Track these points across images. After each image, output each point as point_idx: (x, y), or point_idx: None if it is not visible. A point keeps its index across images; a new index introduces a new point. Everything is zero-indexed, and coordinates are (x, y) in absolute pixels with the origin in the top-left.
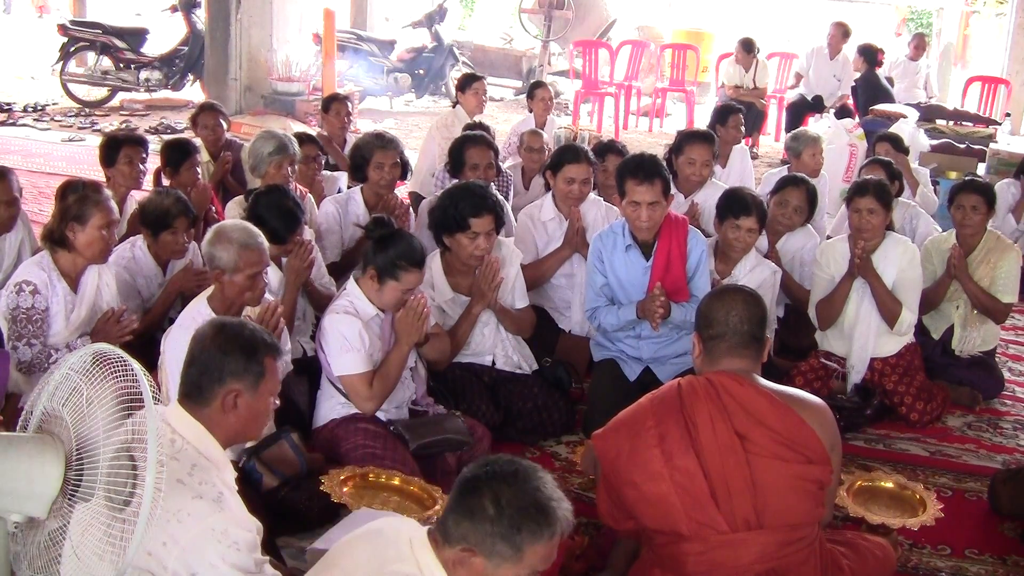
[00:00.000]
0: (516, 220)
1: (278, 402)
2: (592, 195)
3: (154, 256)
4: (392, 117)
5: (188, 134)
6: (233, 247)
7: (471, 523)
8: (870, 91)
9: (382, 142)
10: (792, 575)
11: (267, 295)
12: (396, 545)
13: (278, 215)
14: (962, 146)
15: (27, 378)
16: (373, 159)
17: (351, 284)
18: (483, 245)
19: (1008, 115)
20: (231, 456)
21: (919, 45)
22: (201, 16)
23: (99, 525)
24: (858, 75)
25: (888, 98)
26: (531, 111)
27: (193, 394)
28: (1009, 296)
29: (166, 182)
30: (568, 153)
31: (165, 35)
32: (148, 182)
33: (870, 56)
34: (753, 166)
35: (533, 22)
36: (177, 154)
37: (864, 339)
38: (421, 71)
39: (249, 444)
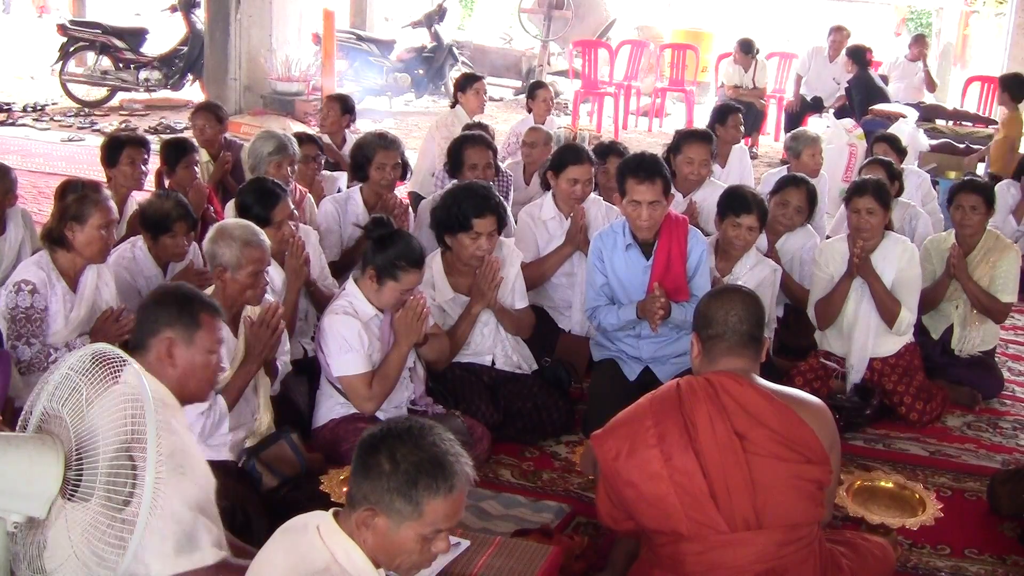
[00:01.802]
0: (515, 218)
1: (226, 365)
2: (592, 194)
3: (154, 257)
4: (392, 117)
5: (188, 134)
6: (235, 244)
7: (369, 481)
8: (864, 91)
9: (384, 142)
10: (791, 575)
11: (268, 295)
12: (306, 538)
13: (255, 196)
14: (961, 146)
15: (24, 380)
16: (375, 159)
17: (350, 284)
18: (485, 245)
19: None
20: (231, 457)
21: (920, 46)
22: (201, 16)
23: (99, 525)
24: (850, 76)
25: (883, 98)
26: (530, 111)
27: (137, 347)
28: (1008, 295)
29: (167, 182)
30: (570, 154)
31: (165, 35)
32: (149, 182)
33: (859, 57)
34: (752, 166)
35: (533, 22)
36: (174, 153)
37: (863, 339)
38: (421, 71)
39: (249, 444)
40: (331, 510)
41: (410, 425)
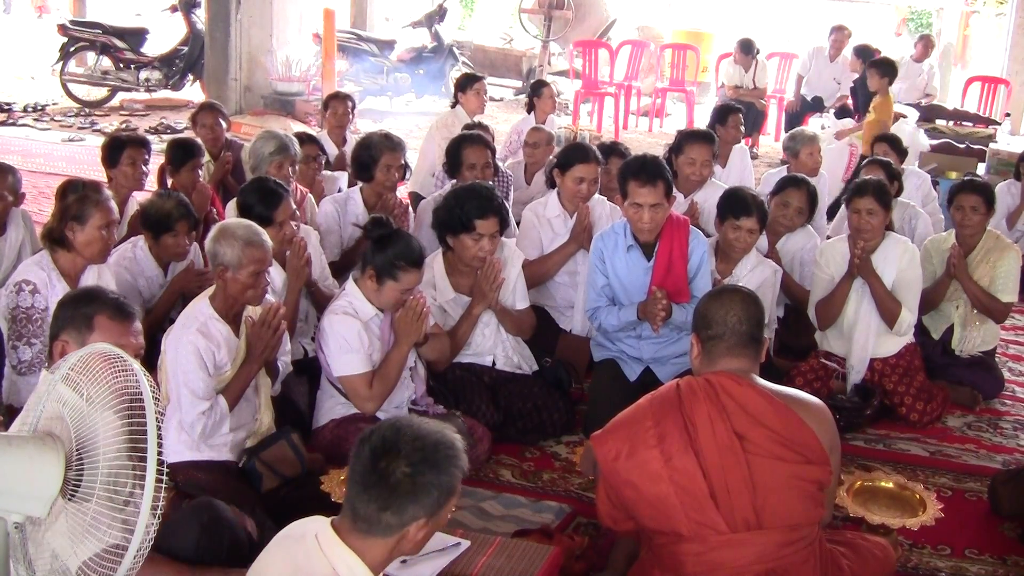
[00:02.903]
0: (515, 216)
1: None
2: (596, 194)
3: (155, 257)
4: (392, 117)
5: (189, 134)
6: (237, 244)
7: (415, 504)
8: (869, 91)
9: (392, 144)
10: (791, 575)
11: (269, 296)
12: (304, 546)
13: (258, 196)
14: (962, 146)
15: (24, 380)
16: (382, 160)
17: (350, 285)
18: (487, 247)
19: (1008, 115)
20: (231, 457)
21: (925, 46)
22: (201, 16)
23: (99, 525)
24: (856, 75)
25: None
26: (531, 111)
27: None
28: (1009, 295)
29: (169, 182)
30: (577, 153)
31: (165, 35)
32: (151, 181)
33: (867, 57)
34: (753, 166)
35: (533, 22)
36: (180, 154)
37: (864, 339)
38: (421, 71)
39: (249, 444)
40: (329, 519)
41: (397, 438)
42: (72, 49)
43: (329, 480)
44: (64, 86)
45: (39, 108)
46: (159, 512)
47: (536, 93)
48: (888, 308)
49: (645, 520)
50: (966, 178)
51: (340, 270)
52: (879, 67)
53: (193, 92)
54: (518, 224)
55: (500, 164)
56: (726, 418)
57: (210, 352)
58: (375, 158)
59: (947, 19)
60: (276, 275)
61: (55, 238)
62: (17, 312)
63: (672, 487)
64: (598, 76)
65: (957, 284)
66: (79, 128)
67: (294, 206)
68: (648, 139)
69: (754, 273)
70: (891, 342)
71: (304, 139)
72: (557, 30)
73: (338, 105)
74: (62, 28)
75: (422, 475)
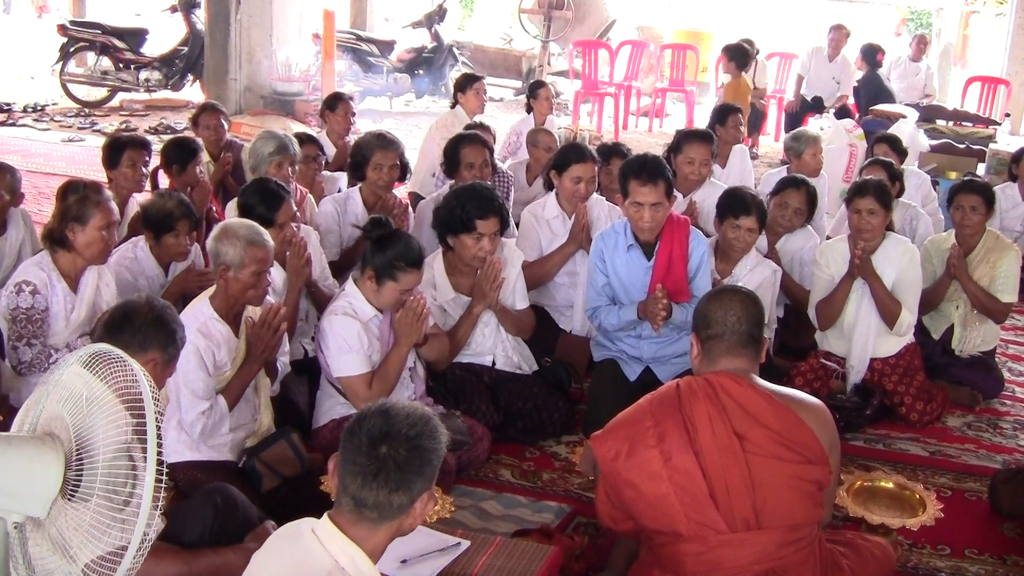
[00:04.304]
0: (516, 218)
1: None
2: (595, 194)
3: (156, 257)
4: (392, 117)
5: (188, 134)
6: (240, 243)
7: (421, 477)
8: (872, 91)
9: (382, 142)
10: (791, 575)
11: (269, 297)
12: (302, 543)
13: (259, 197)
14: (962, 146)
15: (24, 381)
16: (372, 159)
17: (349, 285)
18: (487, 247)
19: (1008, 115)
20: (231, 457)
21: (920, 44)
22: (201, 16)
23: (99, 525)
24: (860, 75)
25: (890, 98)
26: (531, 110)
27: (121, 337)
28: (1009, 296)
29: (165, 181)
30: (574, 153)
31: (165, 35)
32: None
33: (871, 56)
34: (753, 166)
35: (533, 22)
36: (183, 153)
37: (864, 339)
38: (421, 71)
39: (249, 444)
40: (325, 514)
41: (389, 424)
42: (72, 49)
43: (329, 480)
44: (64, 86)
45: (39, 108)
46: (159, 512)
47: (533, 94)
48: (888, 308)
49: (645, 520)
50: (966, 178)
51: (340, 270)
52: (727, 52)
53: (193, 92)
54: (518, 225)
55: (500, 164)
56: (726, 418)
57: (210, 352)
58: (367, 157)
59: (947, 19)
60: (276, 275)
61: (55, 239)
62: (17, 313)
63: (672, 487)
64: (598, 76)
65: (957, 284)
66: (79, 128)
67: (294, 207)
68: (648, 139)
69: (754, 273)
70: (891, 342)
71: (304, 139)
72: (557, 30)
73: (344, 106)
74: (62, 28)
75: (422, 447)
